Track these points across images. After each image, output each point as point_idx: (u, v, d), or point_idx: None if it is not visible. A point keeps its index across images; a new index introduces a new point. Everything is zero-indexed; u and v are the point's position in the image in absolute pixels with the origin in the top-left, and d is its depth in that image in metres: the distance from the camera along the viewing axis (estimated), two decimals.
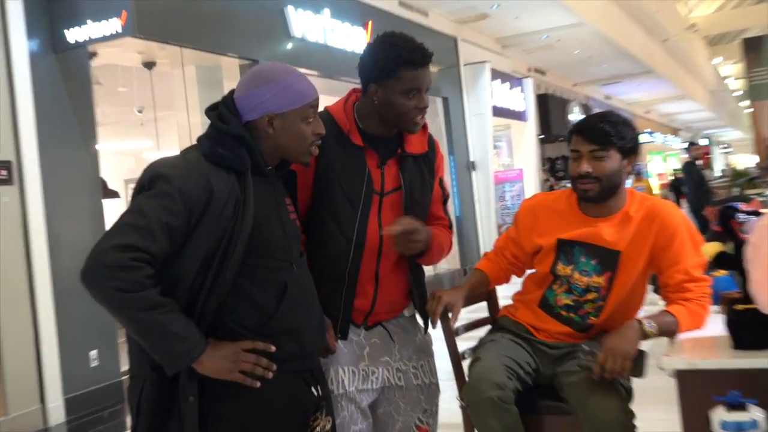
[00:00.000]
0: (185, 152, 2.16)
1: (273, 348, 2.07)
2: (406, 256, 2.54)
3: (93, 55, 6.79)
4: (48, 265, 5.76)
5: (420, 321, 2.71)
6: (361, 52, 2.53)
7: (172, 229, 1.96)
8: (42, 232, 5.78)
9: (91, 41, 6.05)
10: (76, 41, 6.04)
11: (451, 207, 12.04)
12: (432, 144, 2.66)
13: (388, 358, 2.57)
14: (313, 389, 2.23)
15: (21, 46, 5.75)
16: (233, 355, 2.02)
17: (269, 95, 2.12)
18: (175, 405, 2.03)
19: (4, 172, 5.55)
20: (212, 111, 2.18)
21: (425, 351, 2.68)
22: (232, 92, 2.20)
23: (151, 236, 1.93)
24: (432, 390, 2.66)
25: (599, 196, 2.70)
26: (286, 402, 2.13)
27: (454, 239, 11.81)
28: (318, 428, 2.23)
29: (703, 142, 31.45)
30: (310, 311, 2.22)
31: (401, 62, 2.39)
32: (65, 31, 6.05)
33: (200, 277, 2.02)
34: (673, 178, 20.42)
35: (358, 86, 2.58)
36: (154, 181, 2.01)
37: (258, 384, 2.04)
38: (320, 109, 2.46)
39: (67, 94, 6.16)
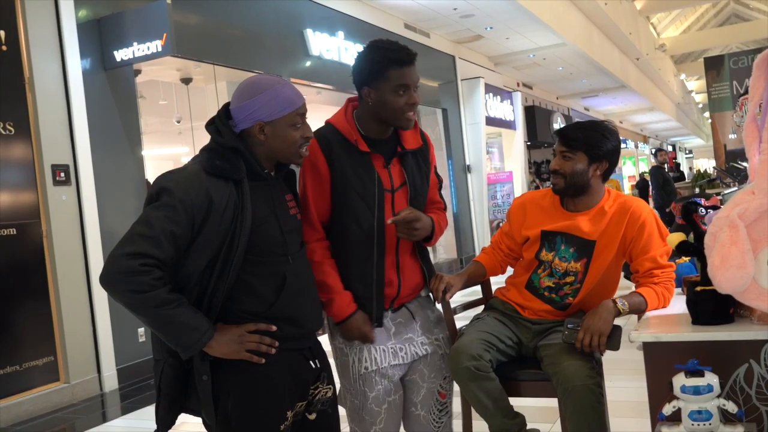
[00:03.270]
0: (191, 162, 2.12)
1: (274, 328, 2.08)
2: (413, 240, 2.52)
3: (137, 72, 6.83)
4: (101, 254, 5.81)
5: (431, 296, 2.68)
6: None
7: (176, 236, 1.95)
8: (96, 226, 5.84)
9: (136, 60, 6.09)
10: (122, 60, 6.08)
11: (449, 203, 12.07)
12: (424, 137, 2.61)
13: (411, 335, 2.55)
14: (311, 363, 2.22)
15: (75, 64, 5.80)
16: (239, 338, 2.03)
17: (259, 105, 2.08)
18: (190, 383, 2.06)
19: (62, 174, 5.59)
20: (210, 125, 2.14)
21: (441, 325, 2.67)
22: (226, 105, 2.17)
23: (157, 243, 1.93)
24: None
25: (564, 191, 2.74)
26: (287, 374, 2.13)
27: (452, 233, 11.74)
28: (319, 395, 2.24)
29: (668, 148, 31.33)
30: (308, 298, 2.21)
31: (388, 62, 2.33)
32: (114, 52, 6.09)
33: (207, 275, 2.02)
34: (638, 179, 20.41)
35: (354, 95, 2.52)
36: (159, 194, 2.00)
37: (263, 360, 2.06)
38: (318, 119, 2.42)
39: (116, 107, 6.20)
